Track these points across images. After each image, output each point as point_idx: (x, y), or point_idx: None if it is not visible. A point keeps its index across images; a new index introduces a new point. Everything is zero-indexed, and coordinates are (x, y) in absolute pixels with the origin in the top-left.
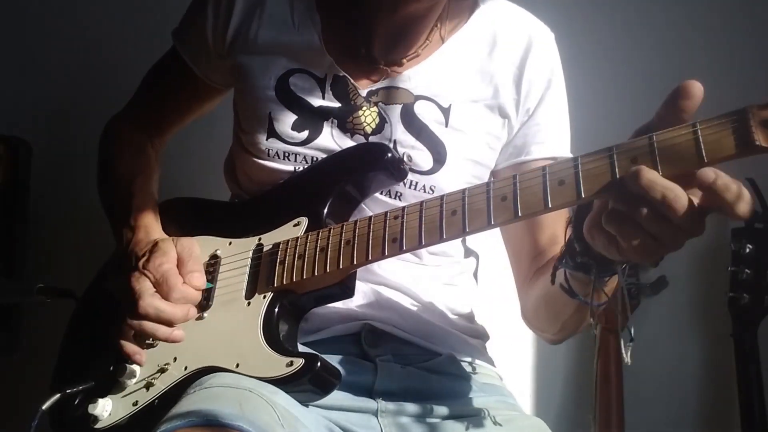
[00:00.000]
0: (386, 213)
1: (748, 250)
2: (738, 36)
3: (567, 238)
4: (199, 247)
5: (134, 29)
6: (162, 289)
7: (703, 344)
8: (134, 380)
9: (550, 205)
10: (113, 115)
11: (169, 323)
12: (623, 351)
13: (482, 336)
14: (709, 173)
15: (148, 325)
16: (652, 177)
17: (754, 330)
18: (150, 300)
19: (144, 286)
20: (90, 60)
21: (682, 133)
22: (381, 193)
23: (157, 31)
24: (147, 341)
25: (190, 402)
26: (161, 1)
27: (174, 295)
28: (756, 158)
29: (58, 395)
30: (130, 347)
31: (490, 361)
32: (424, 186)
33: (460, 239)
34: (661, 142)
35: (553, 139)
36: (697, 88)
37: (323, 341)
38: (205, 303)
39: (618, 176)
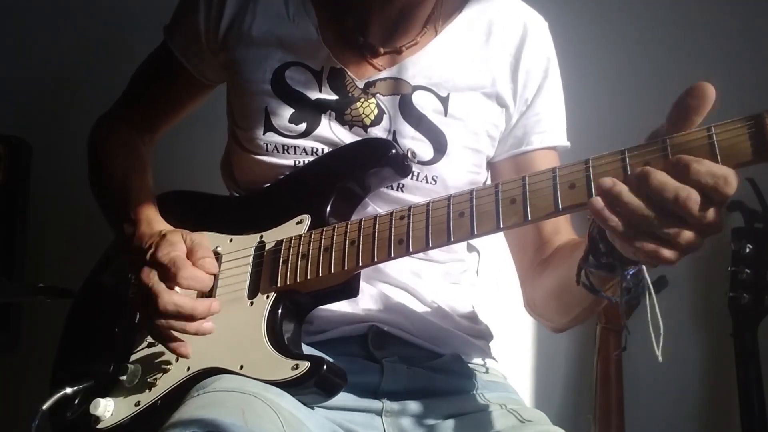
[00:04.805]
0: (392, 213)
1: (748, 250)
2: (737, 27)
3: (588, 237)
4: (197, 233)
5: (135, 29)
6: (170, 272)
7: (703, 344)
8: (136, 380)
9: (561, 208)
10: (102, 115)
11: (191, 318)
12: (655, 347)
13: (486, 336)
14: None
15: (173, 323)
16: (663, 179)
17: (754, 330)
18: (168, 297)
19: (155, 280)
20: (90, 60)
21: (696, 137)
22: None
23: (159, 31)
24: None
25: (193, 407)
26: (163, 1)
27: (183, 274)
28: None
29: (58, 395)
30: (171, 345)
31: (494, 360)
32: (426, 176)
33: None
34: (675, 146)
35: (552, 128)
36: (709, 90)
37: (329, 342)
38: None
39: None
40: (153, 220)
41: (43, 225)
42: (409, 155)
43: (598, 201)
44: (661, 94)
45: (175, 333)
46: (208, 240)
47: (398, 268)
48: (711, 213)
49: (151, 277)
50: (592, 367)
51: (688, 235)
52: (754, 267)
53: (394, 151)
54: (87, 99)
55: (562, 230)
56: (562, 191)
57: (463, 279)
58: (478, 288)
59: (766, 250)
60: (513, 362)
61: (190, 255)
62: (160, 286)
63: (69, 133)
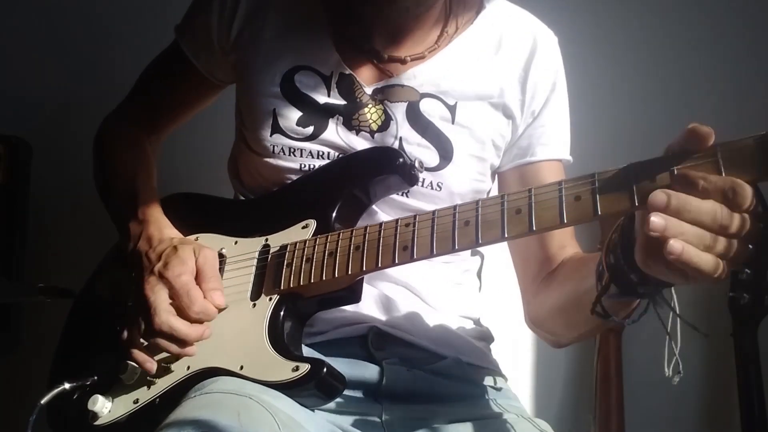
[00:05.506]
0: (397, 220)
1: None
2: (742, 41)
3: (604, 267)
4: (208, 248)
5: (135, 28)
6: (182, 301)
7: (703, 344)
8: (135, 378)
9: (565, 221)
10: (108, 114)
11: (183, 342)
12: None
13: (487, 338)
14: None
15: (162, 342)
16: (696, 204)
17: (754, 330)
18: (165, 317)
19: (160, 298)
20: (90, 59)
21: (701, 154)
22: None
23: (159, 30)
24: None
25: (189, 408)
26: (164, 2)
27: (195, 309)
28: None
29: (57, 390)
30: (141, 356)
31: (495, 364)
32: (431, 183)
33: None
34: (683, 167)
35: (556, 141)
36: (702, 134)
37: (329, 342)
38: None
39: (636, 201)
40: (162, 224)
41: (44, 225)
42: (417, 165)
43: (660, 220)
44: (668, 108)
45: (143, 356)
46: (218, 261)
47: (400, 267)
48: (744, 220)
49: (156, 291)
50: (592, 367)
51: (737, 248)
52: (754, 267)
53: (401, 160)
54: (87, 99)
55: (567, 245)
56: (568, 203)
57: (464, 280)
58: (480, 291)
59: (766, 250)
60: (513, 363)
61: (200, 280)
62: (162, 304)
63: (69, 133)
